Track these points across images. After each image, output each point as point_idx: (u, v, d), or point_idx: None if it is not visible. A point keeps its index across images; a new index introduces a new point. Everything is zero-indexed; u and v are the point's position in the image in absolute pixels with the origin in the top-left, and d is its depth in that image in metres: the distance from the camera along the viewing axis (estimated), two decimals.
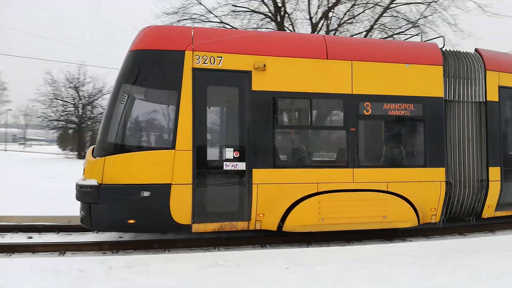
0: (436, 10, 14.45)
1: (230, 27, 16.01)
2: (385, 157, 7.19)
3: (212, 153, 6.37)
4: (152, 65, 6.19)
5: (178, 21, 15.36)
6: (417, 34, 15.36)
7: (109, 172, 5.89)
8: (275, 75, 6.47)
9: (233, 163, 6.22)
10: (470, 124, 7.31)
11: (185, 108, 6.04)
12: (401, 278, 4.54)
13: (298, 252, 5.88)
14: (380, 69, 6.96)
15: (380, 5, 15.34)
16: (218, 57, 6.27)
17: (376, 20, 15.37)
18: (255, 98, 6.37)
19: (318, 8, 16.21)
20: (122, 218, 5.97)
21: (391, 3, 15.01)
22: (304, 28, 19.04)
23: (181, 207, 6.00)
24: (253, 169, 6.23)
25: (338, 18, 16.41)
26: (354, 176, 6.65)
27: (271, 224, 6.38)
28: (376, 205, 6.76)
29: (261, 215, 6.29)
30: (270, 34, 8.02)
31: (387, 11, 15.25)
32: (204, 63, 6.18)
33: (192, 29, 6.45)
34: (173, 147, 6.01)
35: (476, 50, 7.79)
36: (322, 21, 16.12)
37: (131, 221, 5.96)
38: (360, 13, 16.09)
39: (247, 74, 6.36)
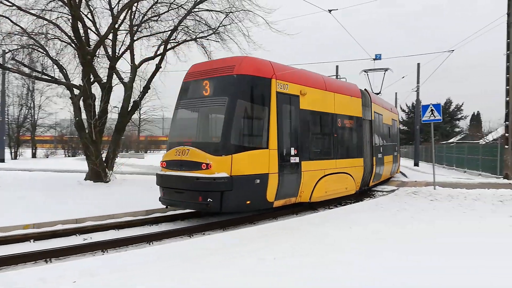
0: (233, 21, 15.81)
1: (10, 4, 13.58)
2: (345, 153, 11.84)
3: (285, 151, 9.15)
4: (255, 87, 8.71)
5: None
6: (217, 41, 16.52)
7: (236, 166, 7.96)
8: (308, 99, 9.96)
9: (294, 157, 9.34)
10: (368, 132, 13.50)
11: (272, 120, 8.71)
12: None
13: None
14: (343, 99, 11.70)
15: (184, 8, 15.74)
16: (285, 84, 9.22)
17: (180, 21, 15.70)
18: (301, 114, 9.74)
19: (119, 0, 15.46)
20: (244, 200, 8.23)
21: (193, 7, 15.58)
22: (105, 18, 17.75)
23: (271, 189, 8.61)
24: (302, 161, 9.51)
25: (142, 14, 16.05)
26: (336, 164, 11.08)
27: (305, 198, 9.84)
28: (343, 181, 11.50)
29: (302, 192, 9.62)
30: (305, 72, 10.56)
31: (191, 14, 15.78)
32: (280, 88, 9.05)
33: (270, 62, 9.14)
34: (267, 147, 8.57)
35: (365, 90, 13.98)
36: (124, 14, 15.41)
37: (248, 202, 8.29)
38: (164, 12, 16.14)
39: (298, 97, 9.62)
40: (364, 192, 13.66)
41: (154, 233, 7.53)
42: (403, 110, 56.41)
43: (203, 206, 7.96)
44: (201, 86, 8.93)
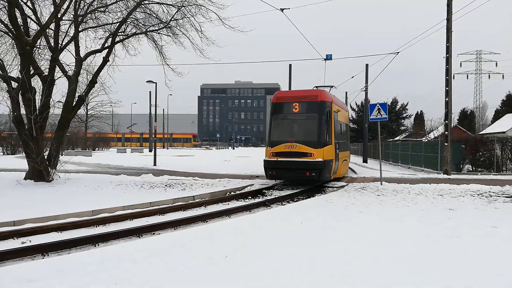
0: (186, 15, 15.47)
1: None
2: (347, 147, 18.54)
3: (335, 146, 14.74)
4: (327, 108, 14.36)
5: None
6: (169, 35, 16.08)
7: (325, 154, 13.61)
8: (339, 114, 16.06)
9: (336, 150, 14.96)
10: (348, 133, 19.73)
11: (332, 127, 14.44)
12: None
13: None
14: (344, 112, 18.31)
15: (133, 0, 15.15)
16: (335, 105, 15.33)
17: (129, 14, 15.09)
18: (337, 123, 15.57)
19: None
20: (326, 175, 13.96)
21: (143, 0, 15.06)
22: (47, 7, 16.70)
23: (333, 168, 14.54)
24: (338, 152, 15.39)
25: (88, 3, 15.22)
26: (346, 154, 17.95)
27: (338, 175, 16.00)
28: (346, 165, 18.44)
29: (338, 170, 15.66)
30: (336, 97, 16.59)
31: (140, 7, 15.23)
32: (334, 108, 14.92)
33: (328, 93, 15.63)
34: (331, 143, 14.35)
35: (322, 91, 16.34)
36: (67, 3, 14.53)
37: (327, 176, 14.10)
38: (112, 3, 15.44)
39: (337, 114, 15.44)
40: (315, 188, 13.98)
41: (100, 234, 7.17)
42: (353, 109, 58.56)
43: (309, 178, 13.60)
44: (294, 106, 14.48)
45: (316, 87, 20.10)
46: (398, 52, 21.77)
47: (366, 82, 31.42)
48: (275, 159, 13.86)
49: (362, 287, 4.18)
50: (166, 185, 13.81)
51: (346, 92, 45.78)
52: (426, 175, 19.42)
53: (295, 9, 17.29)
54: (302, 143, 13.63)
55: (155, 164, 24.91)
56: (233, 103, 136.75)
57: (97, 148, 58.96)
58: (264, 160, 14.36)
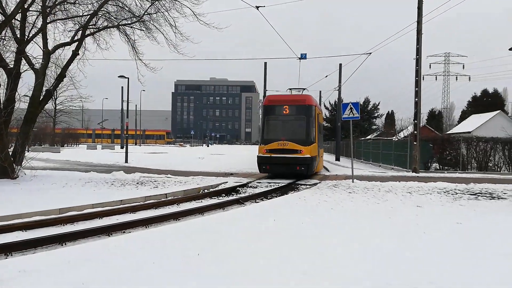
0: (160, 10, 15.19)
1: None
2: (321, 145, 19.46)
3: (317, 145, 16.99)
4: (312, 110, 16.39)
5: None
6: (142, 30, 15.75)
7: (311, 151, 15.72)
8: (318, 116, 17.87)
9: (318, 148, 17.60)
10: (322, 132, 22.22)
11: (316, 128, 16.54)
12: None
13: None
14: (321, 114, 21.17)
15: None
16: (317, 108, 17.65)
17: (100, 6, 14.67)
18: (319, 124, 17.97)
19: None
20: (313, 169, 16.31)
21: None
22: None
23: (316, 164, 16.84)
24: (319, 149, 18.03)
25: None
26: (323, 151, 22.37)
27: (318, 170, 18.27)
28: (322, 161, 21.33)
29: (318, 166, 18.12)
30: (316, 100, 18.32)
31: None
32: (316, 111, 17.18)
33: (312, 97, 17.54)
34: (316, 142, 16.47)
35: (308, 96, 18.09)
36: None
37: (312, 170, 16.29)
38: None
39: (318, 115, 17.49)
40: (289, 186, 14.10)
41: (68, 232, 6.94)
42: (327, 108, 59.34)
43: (299, 172, 15.57)
44: (285, 109, 16.44)
45: (289, 89, 22.50)
46: (370, 53, 22.23)
47: (340, 81, 31.92)
48: (269, 155, 15.76)
49: (332, 283, 4.24)
50: (137, 183, 13.55)
51: (320, 91, 46.37)
52: (396, 173, 19.95)
53: (270, 7, 17.33)
54: (292, 141, 15.62)
55: (126, 161, 24.42)
56: (208, 100, 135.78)
57: (66, 145, 57.20)
58: (258, 156, 16.29)
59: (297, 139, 15.71)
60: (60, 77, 15.44)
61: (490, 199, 11.09)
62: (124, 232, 7.29)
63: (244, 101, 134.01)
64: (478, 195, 11.73)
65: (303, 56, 24.63)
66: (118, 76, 27.58)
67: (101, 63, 18.35)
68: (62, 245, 6.43)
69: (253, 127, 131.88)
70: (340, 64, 31.93)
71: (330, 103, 59.51)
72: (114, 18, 15.46)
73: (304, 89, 19.65)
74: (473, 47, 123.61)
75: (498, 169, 21.46)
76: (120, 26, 15.55)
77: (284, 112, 16.39)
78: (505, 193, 12.26)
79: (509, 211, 9.22)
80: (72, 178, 13.94)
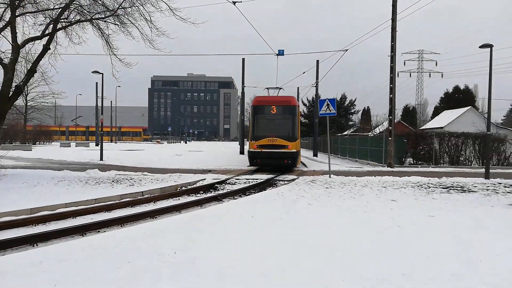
0: (134, 4, 14.84)
1: None
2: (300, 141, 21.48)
3: (299, 140, 19.17)
4: (296, 110, 18.66)
5: None
6: (116, 24, 15.37)
7: (297, 146, 17.91)
8: (299, 114, 20.16)
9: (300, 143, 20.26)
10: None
11: (298, 125, 18.70)
12: None
13: None
14: (299, 112, 23.65)
15: None
16: (299, 107, 20.18)
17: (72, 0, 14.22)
18: (300, 122, 21.08)
19: None
20: (297, 162, 18.76)
21: None
22: None
23: (298, 157, 19.01)
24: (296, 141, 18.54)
25: None
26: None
27: (298, 163, 19.72)
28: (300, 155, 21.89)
29: (299, 160, 20.06)
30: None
31: None
32: (299, 110, 19.98)
33: (296, 99, 20.15)
34: (299, 138, 18.57)
35: (292, 97, 19.95)
36: None
37: (296, 163, 18.67)
38: None
39: (298, 114, 19.69)
40: (267, 182, 14.14)
41: (39, 233, 6.73)
42: (305, 104, 59.75)
43: (286, 165, 17.68)
44: (272, 109, 18.29)
45: (267, 88, 24.64)
46: (346, 50, 22.49)
47: (317, 78, 32.19)
48: (260, 150, 17.65)
49: (305, 276, 4.28)
50: (113, 181, 13.28)
51: (298, 88, 46.71)
52: (371, 168, 20.33)
53: (248, 3, 17.25)
54: (280, 137, 17.52)
55: (101, 159, 23.91)
56: (186, 96, 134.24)
57: (38, 142, 55.44)
58: (249, 151, 18.31)
59: (284, 136, 17.63)
60: (31, 73, 14.89)
61: (461, 192, 11.46)
62: (98, 231, 7.14)
63: (222, 97, 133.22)
64: (450, 189, 12.10)
65: (280, 52, 24.69)
66: (92, 72, 26.84)
67: (75, 58, 17.82)
68: (33, 246, 6.24)
69: (231, 123, 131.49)
70: (317, 61, 32.18)
71: (308, 99, 59.98)
72: (87, 11, 15.00)
73: (280, 88, 21.28)
74: (452, 43, 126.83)
75: (469, 163, 22.20)
76: (93, 20, 15.10)
77: (272, 111, 18.27)
78: (475, 186, 12.70)
79: (479, 203, 9.56)
80: (44, 177, 13.53)
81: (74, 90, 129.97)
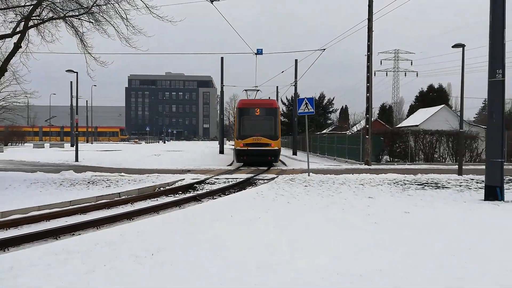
0: (110, 1, 14.52)
1: None
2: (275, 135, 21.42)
3: (280, 139, 21.21)
4: (277, 111, 21.52)
5: None
6: (91, 22, 15.02)
7: (278, 145, 20.54)
8: (279, 115, 22.57)
9: (280, 141, 21.84)
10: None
11: (279, 125, 21.17)
12: None
13: None
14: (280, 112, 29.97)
15: None
16: (279, 109, 27.10)
17: None
18: (280, 122, 23.19)
19: None
20: (277, 159, 20.82)
21: None
22: None
23: (279, 154, 21.10)
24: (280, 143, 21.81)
25: None
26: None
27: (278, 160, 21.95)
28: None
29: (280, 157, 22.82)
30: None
31: None
32: (279, 111, 23.67)
33: (277, 102, 25.67)
34: (279, 137, 20.86)
35: (274, 100, 24.57)
36: None
37: (278, 159, 21.56)
38: None
39: (279, 115, 22.91)
40: (247, 181, 14.13)
41: (10, 237, 6.50)
42: (284, 103, 60.00)
43: (269, 161, 19.85)
44: (256, 111, 20.40)
45: (245, 90, 27.57)
46: (324, 49, 22.72)
47: (296, 77, 32.40)
48: (246, 148, 19.83)
49: (283, 273, 4.30)
50: (89, 182, 12.99)
51: (277, 87, 46.83)
52: (349, 165, 20.63)
53: (226, 1, 17.16)
54: (264, 137, 19.79)
55: (77, 160, 23.38)
56: (164, 95, 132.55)
57: (10, 143, 53.67)
58: (236, 149, 20.67)
59: (267, 135, 19.92)
60: (1, 72, 14.36)
61: (436, 188, 11.76)
62: (73, 234, 6.95)
63: (201, 97, 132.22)
64: (425, 185, 12.41)
65: (259, 52, 24.72)
66: (66, 71, 26.18)
67: (48, 57, 17.30)
68: (4, 251, 6.03)
69: (211, 122, 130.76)
70: (296, 60, 32.40)
71: (287, 98, 60.26)
72: (60, 9, 14.58)
73: (258, 90, 24.76)
74: (429, 42, 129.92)
75: (443, 160, 22.84)
76: (66, 18, 14.68)
77: (256, 113, 20.49)
78: (449, 183, 13.06)
79: (452, 199, 9.83)
80: (16, 179, 13.10)
81: (48, 90, 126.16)
